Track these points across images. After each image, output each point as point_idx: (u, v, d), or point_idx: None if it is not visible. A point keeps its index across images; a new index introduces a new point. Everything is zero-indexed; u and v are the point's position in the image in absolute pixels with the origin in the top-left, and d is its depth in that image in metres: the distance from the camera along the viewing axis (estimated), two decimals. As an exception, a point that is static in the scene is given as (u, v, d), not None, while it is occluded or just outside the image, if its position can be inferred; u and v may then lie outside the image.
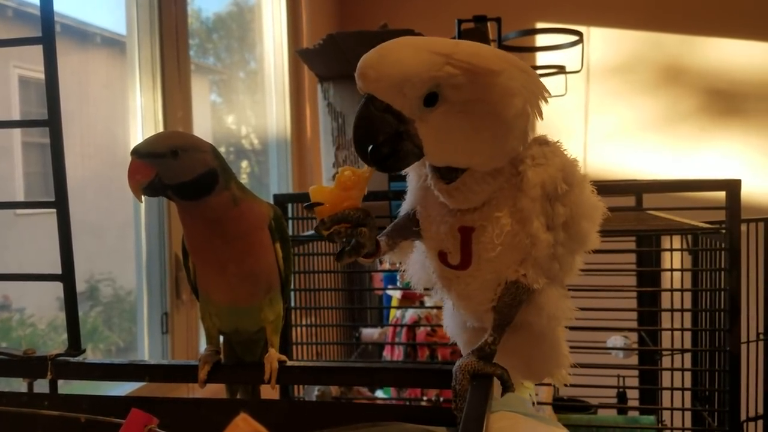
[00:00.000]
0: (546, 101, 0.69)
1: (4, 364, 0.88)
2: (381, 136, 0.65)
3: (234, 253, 0.83)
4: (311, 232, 1.54)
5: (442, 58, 0.62)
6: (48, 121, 0.82)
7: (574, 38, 1.90)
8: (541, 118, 0.68)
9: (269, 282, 0.87)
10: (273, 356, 0.85)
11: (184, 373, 0.86)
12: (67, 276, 0.86)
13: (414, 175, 0.78)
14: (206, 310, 0.88)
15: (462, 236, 0.72)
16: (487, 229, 0.70)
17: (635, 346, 1.76)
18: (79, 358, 0.88)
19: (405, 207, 0.80)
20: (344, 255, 0.74)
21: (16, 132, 1.61)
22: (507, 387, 0.74)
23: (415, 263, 0.82)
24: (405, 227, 0.78)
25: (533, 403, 1.32)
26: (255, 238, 0.84)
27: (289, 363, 0.86)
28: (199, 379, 0.84)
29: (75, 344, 0.88)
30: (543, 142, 0.72)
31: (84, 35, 1.87)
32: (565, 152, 0.72)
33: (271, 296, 0.88)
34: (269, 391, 0.91)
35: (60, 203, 0.84)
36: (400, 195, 0.81)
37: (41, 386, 0.90)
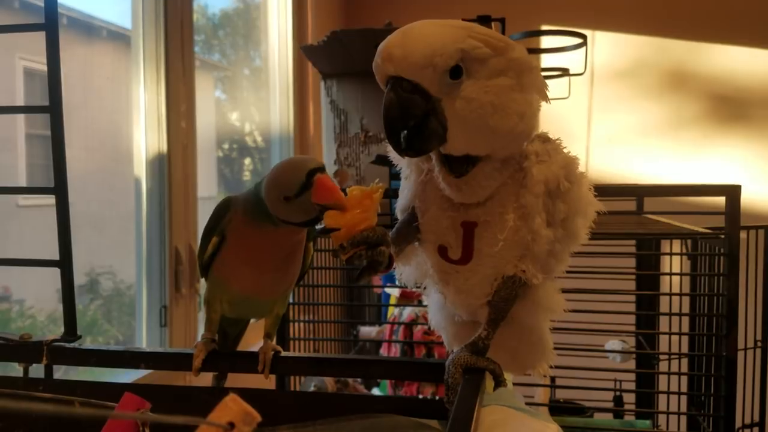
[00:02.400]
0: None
1: (0, 348, 0.88)
2: (412, 119, 0.65)
3: (288, 259, 0.84)
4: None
5: (464, 31, 0.63)
6: (49, 107, 0.82)
7: (579, 41, 1.89)
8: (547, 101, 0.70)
9: (293, 277, 0.88)
10: (268, 346, 0.85)
11: (179, 361, 0.86)
12: (64, 262, 0.86)
13: (414, 170, 0.78)
14: (218, 296, 0.87)
15: (464, 231, 0.72)
16: (490, 225, 0.71)
17: (633, 349, 1.76)
18: (75, 344, 0.88)
19: (402, 204, 0.79)
20: (363, 275, 0.74)
21: (20, 123, 1.61)
22: (499, 382, 0.74)
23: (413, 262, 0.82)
24: (407, 230, 0.78)
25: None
26: (304, 241, 0.85)
27: (284, 354, 0.86)
28: (194, 368, 0.84)
29: (71, 330, 0.88)
30: (545, 139, 0.72)
31: (90, 28, 1.87)
32: (565, 150, 0.72)
33: (287, 292, 0.89)
34: (265, 383, 0.91)
35: (59, 190, 0.85)
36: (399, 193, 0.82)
37: (38, 374, 0.90)
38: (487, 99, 0.65)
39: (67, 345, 0.87)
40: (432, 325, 0.88)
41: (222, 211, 0.84)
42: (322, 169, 0.75)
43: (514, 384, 1.26)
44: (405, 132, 0.65)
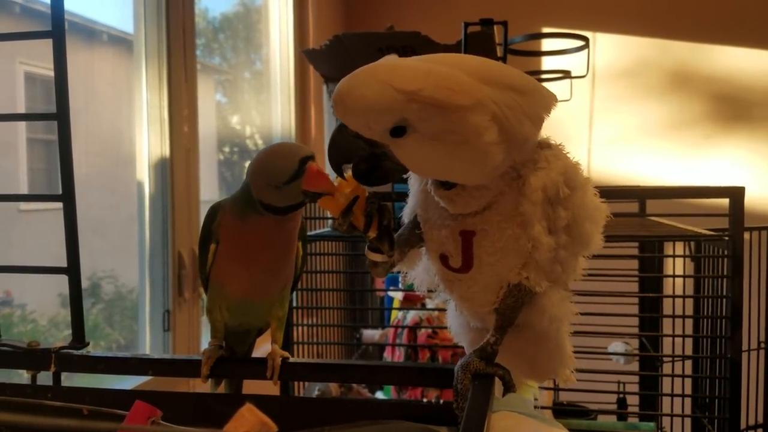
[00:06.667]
0: (548, 114, 0.68)
1: (8, 355, 0.88)
2: (356, 158, 0.67)
3: (280, 252, 0.84)
4: (314, 232, 1.55)
5: (406, 95, 0.61)
6: (56, 114, 0.82)
7: (581, 43, 1.90)
8: (536, 133, 0.68)
9: (287, 278, 0.87)
10: (276, 353, 0.85)
11: (188, 368, 0.86)
12: (72, 269, 0.86)
13: (415, 179, 0.78)
14: (216, 303, 0.87)
15: (463, 240, 0.72)
16: (488, 233, 0.70)
17: (636, 352, 1.76)
18: (83, 351, 0.88)
19: (407, 211, 0.80)
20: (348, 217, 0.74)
21: (21, 128, 1.62)
22: (508, 387, 0.74)
23: (419, 266, 0.82)
24: (410, 235, 0.79)
25: (535, 399, 1.32)
26: (295, 238, 0.85)
27: (292, 360, 0.86)
28: (202, 374, 0.84)
29: (79, 337, 0.88)
30: (545, 145, 0.71)
31: (91, 33, 1.88)
32: (568, 155, 0.71)
33: (284, 293, 0.88)
34: (270, 388, 0.91)
35: (67, 197, 0.85)
36: (403, 197, 0.82)
37: (46, 381, 0.90)
38: (432, 151, 0.64)
39: (75, 352, 0.87)
40: (451, 333, 0.88)
41: (211, 216, 0.85)
42: (312, 156, 0.76)
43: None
44: (353, 165, 0.68)
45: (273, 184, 0.76)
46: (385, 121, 0.63)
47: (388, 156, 0.67)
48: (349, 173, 0.71)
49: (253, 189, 0.78)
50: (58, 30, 0.80)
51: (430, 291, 0.83)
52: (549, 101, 0.68)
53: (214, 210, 0.85)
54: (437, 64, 0.64)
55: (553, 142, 0.72)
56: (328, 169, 0.75)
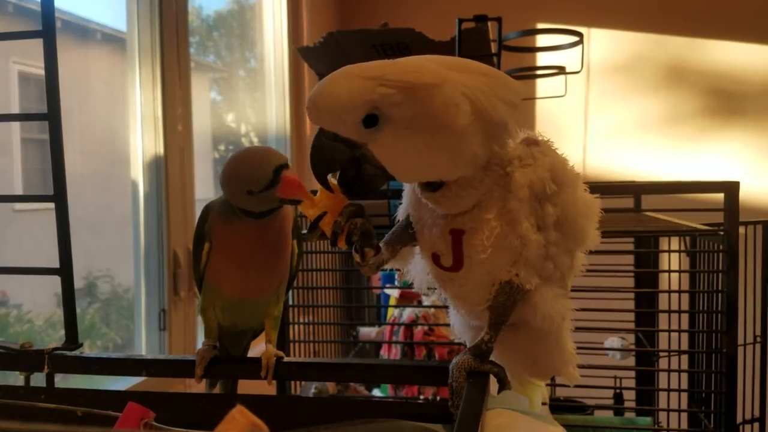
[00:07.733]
0: (518, 98, 0.68)
1: (1, 357, 0.88)
2: (338, 164, 0.67)
3: (270, 253, 0.84)
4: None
5: (374, 81, 0.62)
6: (47, 115, 0.82)
7: (575, 39, 1.89)
8: (511, 117, 0.68)
9: (281, 277, 0.88)
10: (270, 352, 0.85)
11: (182, 368, 0.86)
12: (65, 270, 0.86)
13: None
14: (211, 303, 0.87)
15: (453, 239, 0.72)
16: (477, 232, 0.71)
17: (632, 347, 1.76)
18: (76, 352, 0.88)
19: (402, 211, 0.80)
20: (360, 244, 0.74)
21: (15, 128, 1.61)
22: (503, 385, 0.74)
23: (417, 265, 0.82)
24: (403, 233, 0.79)
25: (543, 403, 1.32)
26: (288, 238, 0.86)
27: (286, 359, 0.86)
28: (196, 375, 0.84)
29: (72, 338, 0.88)
30: (532, 141, 0.71)
31: (84, 31, 1.87)
32: (556, 151, 0.72)
33: (279, 292, 0.89)
34: (266, 388, 0.91)
35: (58, 197, 0.84)
36: (398, 194, 0.82)
37: (39, 382, 0.90)
38: (409, 141, 0.65)
39: (68, 353, 0.87)
40: (454, 331, 0.88)
41: (203, 217, 0.85)
42: (286, 164, 0.76)
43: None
44: (329, 175, 0.69)
45: (246, 191, 0.76)
46: (357, 112, 0.63)
47: (368, 159, 0.67)
48: (335, 183, 0.71)
49: (227, 195, 0.79)
50: (48, 30, 0.79)
51: (430, 288, 0.83)
52: (516, 86, 0.68)
53: (206, 211, 0.85)
54: (402, 58, 0.66)
55: (540, 138, 0.73)
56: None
